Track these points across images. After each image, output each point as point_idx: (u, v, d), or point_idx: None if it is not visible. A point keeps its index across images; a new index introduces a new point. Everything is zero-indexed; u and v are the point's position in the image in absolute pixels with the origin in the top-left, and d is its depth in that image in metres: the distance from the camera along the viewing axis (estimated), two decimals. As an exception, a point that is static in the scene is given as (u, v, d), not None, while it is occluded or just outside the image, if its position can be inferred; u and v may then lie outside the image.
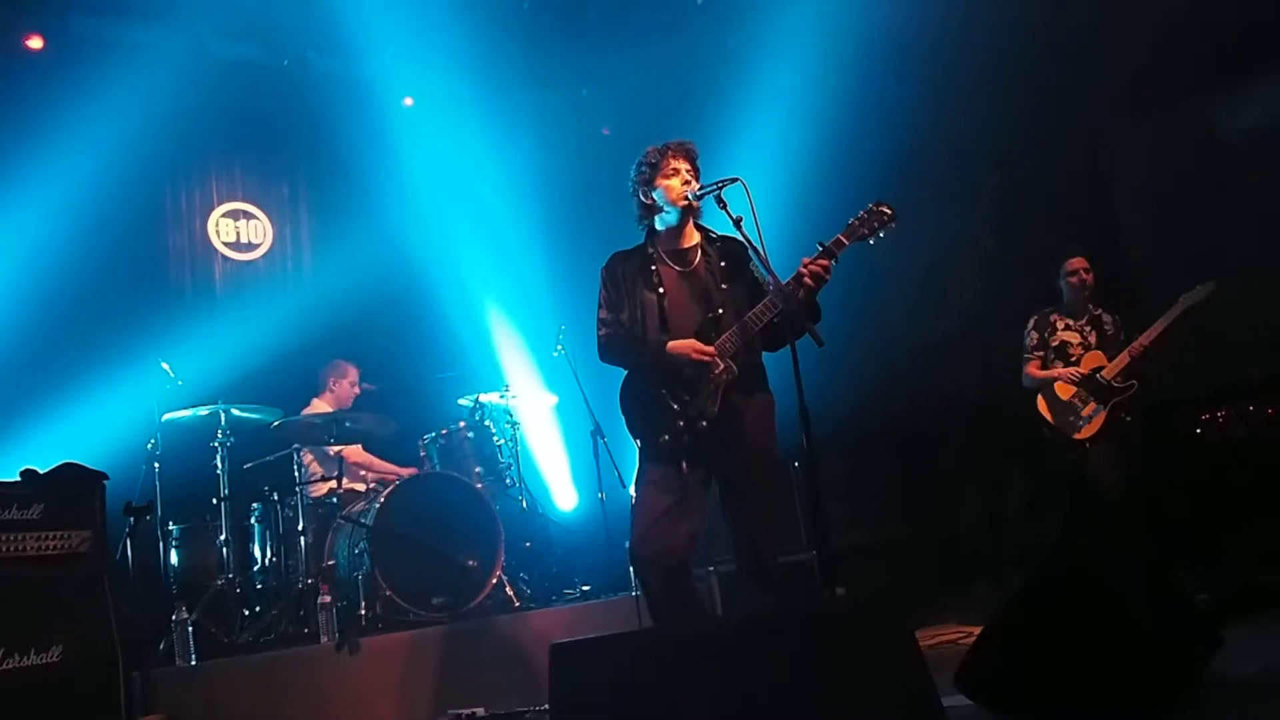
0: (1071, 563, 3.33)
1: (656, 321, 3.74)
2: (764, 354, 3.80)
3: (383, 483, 5.73)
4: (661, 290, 3.76)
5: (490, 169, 7.70)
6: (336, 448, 5.71)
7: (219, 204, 7.20)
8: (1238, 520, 5.21)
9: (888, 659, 2.83)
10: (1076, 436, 5.30)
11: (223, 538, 5.28)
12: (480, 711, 4.20)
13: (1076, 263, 5.42)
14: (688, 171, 3.80)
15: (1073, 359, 5.40)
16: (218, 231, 7.15)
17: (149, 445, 5.38)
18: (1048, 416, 5.39)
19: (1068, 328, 5.47)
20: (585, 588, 6.03)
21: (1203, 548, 5.20)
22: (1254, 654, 3.59)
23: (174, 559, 5.39)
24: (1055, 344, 5.46)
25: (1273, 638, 4.13)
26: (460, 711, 4.21)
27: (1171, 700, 2.93)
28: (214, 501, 5.35)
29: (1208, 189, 5.97)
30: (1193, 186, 6.04)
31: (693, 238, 3.87)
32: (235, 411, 5.50)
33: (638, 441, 3.77)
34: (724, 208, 3.61)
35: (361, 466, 6.14)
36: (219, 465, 5.38)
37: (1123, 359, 5.24)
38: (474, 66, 7.33)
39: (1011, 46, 6.28)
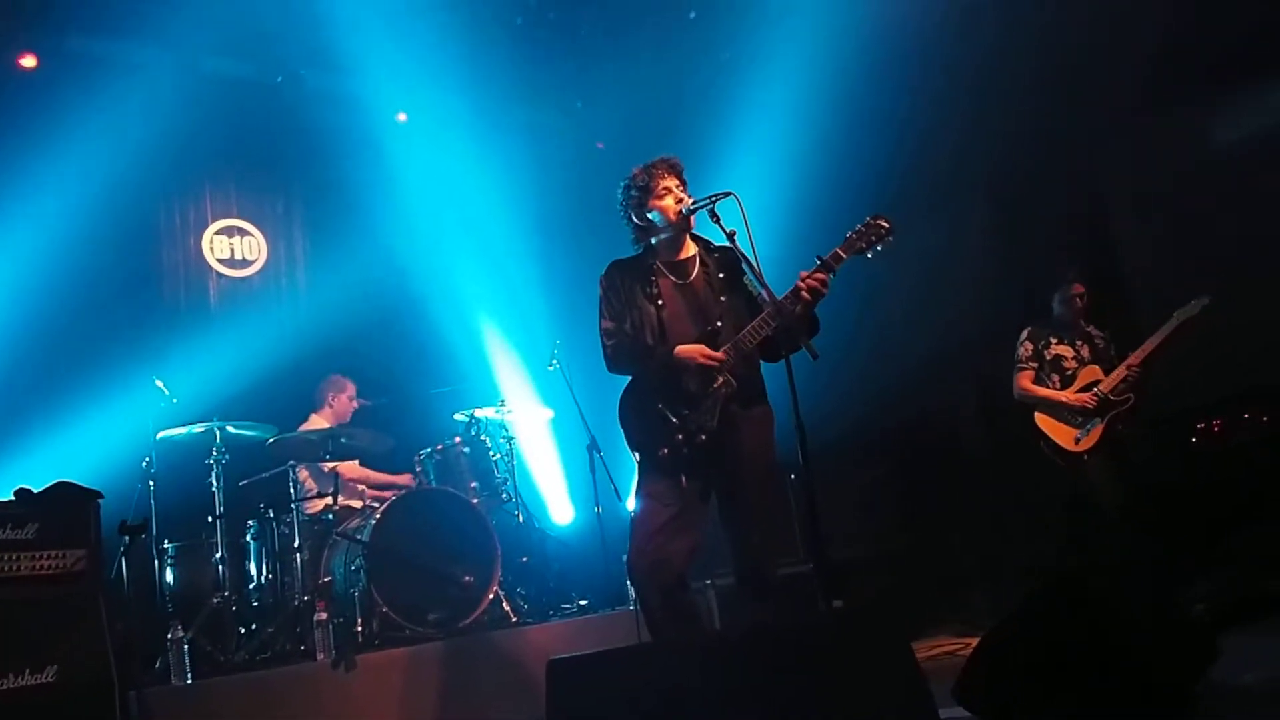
0: (1069, 575, 3.34)
1: (655, 333, 3.74)
2: (764, 366, 3.80)
3: (378, 499, 5.72)
4: (660, 302, 3.76)
5: (484, 183, 7.70)
6: (331, 464, 5.69)
7: (213, 221, 7.20)
8: (1235, 529, 5.21)
9: (886, 671, 2.83)
10: (1074, 450, 5.30)
11: (218, 555, 5.26)
12: (478, 728, 4.18)
13: (1078, 288, 5.43)
14: (678, 187, 3.81)
15: (1068, 372, 5.41)
16: (212, 248, 7.15)
17: (144, 463, 5.37)
18: (1045, 431, 5.39)
19: (1060, 342, 5.48)
20: (583, 602, 6.01)
21: (1200, 557, 5.19)
22: (1253, 663, 3.58)
23: (169, 577, 5.37)
24: (1050, 357, 5.46)
25: (1271, 646, 4.12)
26: (458, 728, 4.20)
27: (1169, 712, 2.93)
28: (209, 519, 5.33)
29: (1205, 199, 5.98)
30: (1190, 196, 6.05)
31: (691, 248, 3.88)
32: (230, 429, 5.49)
33: (636, 455, 3.76)
34: (717, 222, 3.63)
35: (359, 481, 6.13)
36: (214, 483, 5.36)
37: (1119, 373, 5.25)
38: (467, 81, 7.34)
39: (1006, 58, 6.29)
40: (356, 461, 6.15)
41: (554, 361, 6.33)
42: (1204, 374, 5.58)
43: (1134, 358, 5.23)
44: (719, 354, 3.61)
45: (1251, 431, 5.42)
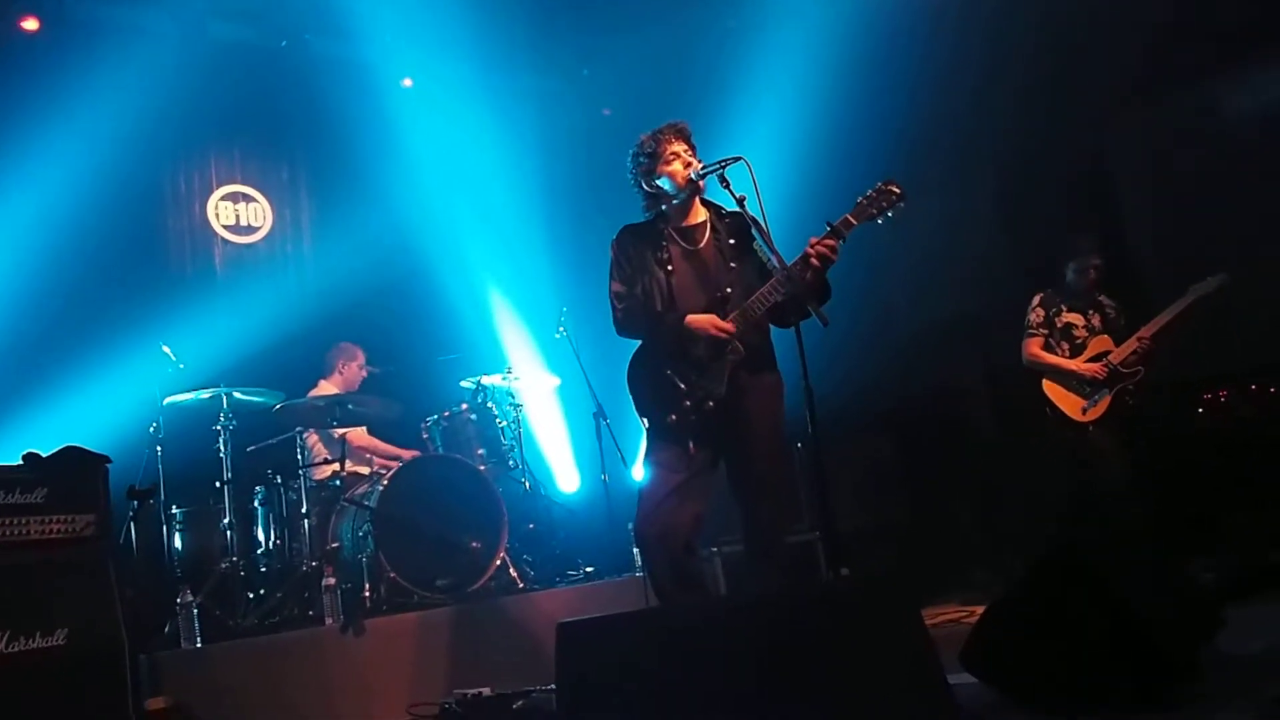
0: (1075, 543, 3.34)
1: (665, 299, 3.72)
2: (773, 334, 3.78)
3: (386, 467, 5.73)
4: (670, 269, 3.75)
5: (490, 150, 7.66)
6: (341, 430, 5.70)
7: (218, 187, 7.17)
8: (1241, 500, 5.21)
9: (894, 637, 2.83)
10: (1081, 419, 5.29)
11: (226, 521, 5.28)
12: (486, 691, 4.20)
13: (1094, 259, 5.39)
14: (686, 152, 3.77)
15: (1078, 341, 5.38)
16: (217, 214, 7.13)
17: (151, 429, 5.37)
18: (1052, 399, 5.37)
19: (1072, 310, 5.44)
20: (589, 569, 6.04)
21: (1207, 528, 5.20)
22: (1259, 633, 3.59)
23: (178, 542, 5.40)
24: (1060, 325, 5.43)
25: (1275, 616, 4.13)
26: (467, 692, 4.22)
27: (1174, 678, 2.94)
28: (217, 485, 5.34)
29: (1212, 175, 5.94)
30: (1197, 172, 6.01)
31: (701, 214, 3.86)
32: (237, 395, 5.50)
33: (645, 421, 3.76)
34: (727, 186, 3.61)
35: (366, 450, 6.14)
36: (222, 448, 5.38)
37: (1130, 344, 5.22)
38: (473, 47, 7.27)
39: (1016, 29, 6.24)
40: (364, 429, 6.16)
41: (561, 329, 6.32)
42: (1213, 349, 5.56)
43: (1146, 330, 5.20)
44: (729, 325, 3.59)
45: (1257, 404, 5.39)
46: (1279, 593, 4.48)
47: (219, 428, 5.40)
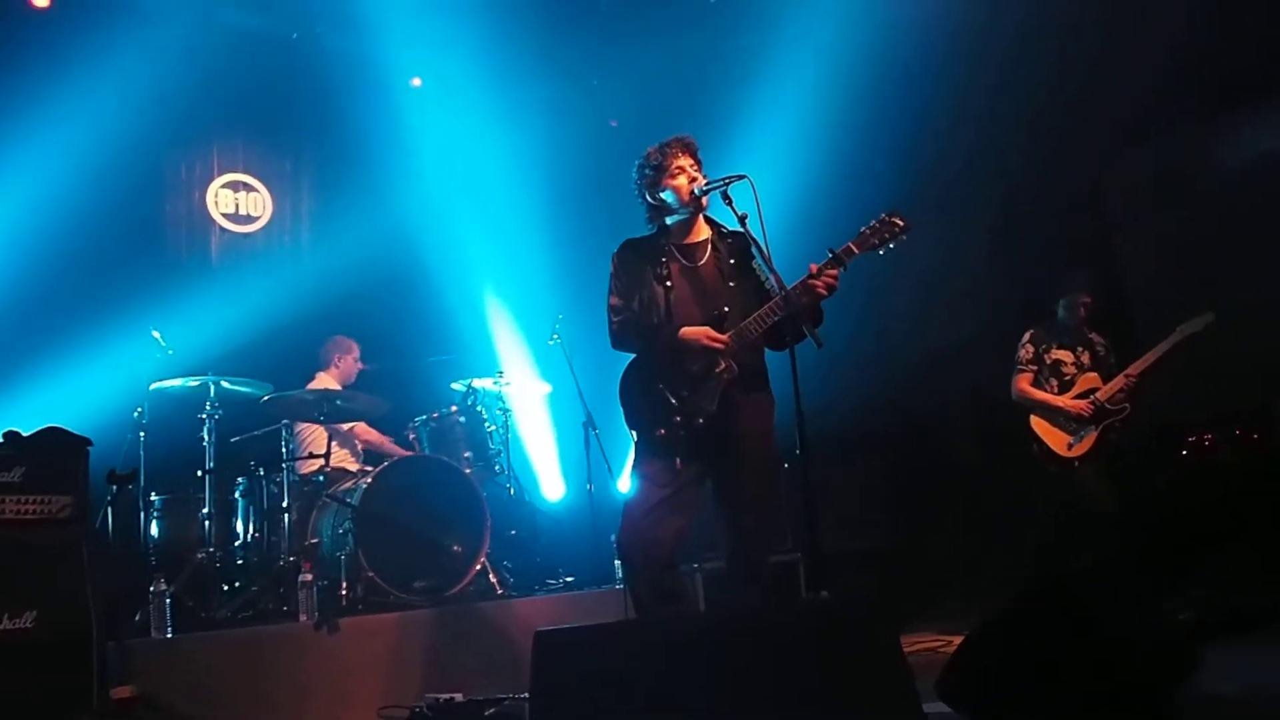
0: (1055, 578, 3.33)
1: (662, 314, 3.72)
2: (766, 355, 3.78)
3: (373, 461, 5.70)
4: (669, 284, 3.74)
5: (495, 154, 7.65)
6: (347, 424, 5.65)
7: (219, 175, 7.16)
8: (1220, 542, 5.22)
9: (871, 661, 2.82)
10: (1066, 455, 5.30)
11: (205, 511, 5.24)
12: (458, 697, 4.17)
13: (1084, 297, 5.42)
14: (691, 166, 3.78)
15: (1066, 378, 5.41)
16: (216, 202, 7.11)
17: (135, 414, 5.34)
18: (1039, 434, 5.38)
19: (1061, 346, 5.47)
20: (569, 579, 6.00)
21: (1186, 568, 5.20)
22: (1234, 674, 3.59)
23: (155, 530, 5.35)
24: (1050, 361, 5.45)
25: (1253, 658, 4.13)
26: (439, 696, 4.19)
27: (1146, 717, 2.93)
28: (199, 474, 5.30)
29: (1204, 219, 5.99)
30: (1190, 216, 6.06)
31: (704, 232, 3.86)
32: (225, 384, 5.47)
33: (634, 434, 3.75)
34: (730, 204, 3.61)
35: (369, 444, 6.12)
36: (206, 437, 5.34)
37: (1118, 382, 5.25)
38: (484, 50, 7.27)
39: (1022, 68, 6.31)
40: (365, 424, 6.13)
41: (555, 336, 6.31)
42: (1199, 390, 5.59)
43: (1134, 368, 5.24)
44: (723, 337, 3.59)
45: (1239, 449, 5.42)
46: (1254, 636, 4.49)
47: (204, 416, 5.36)
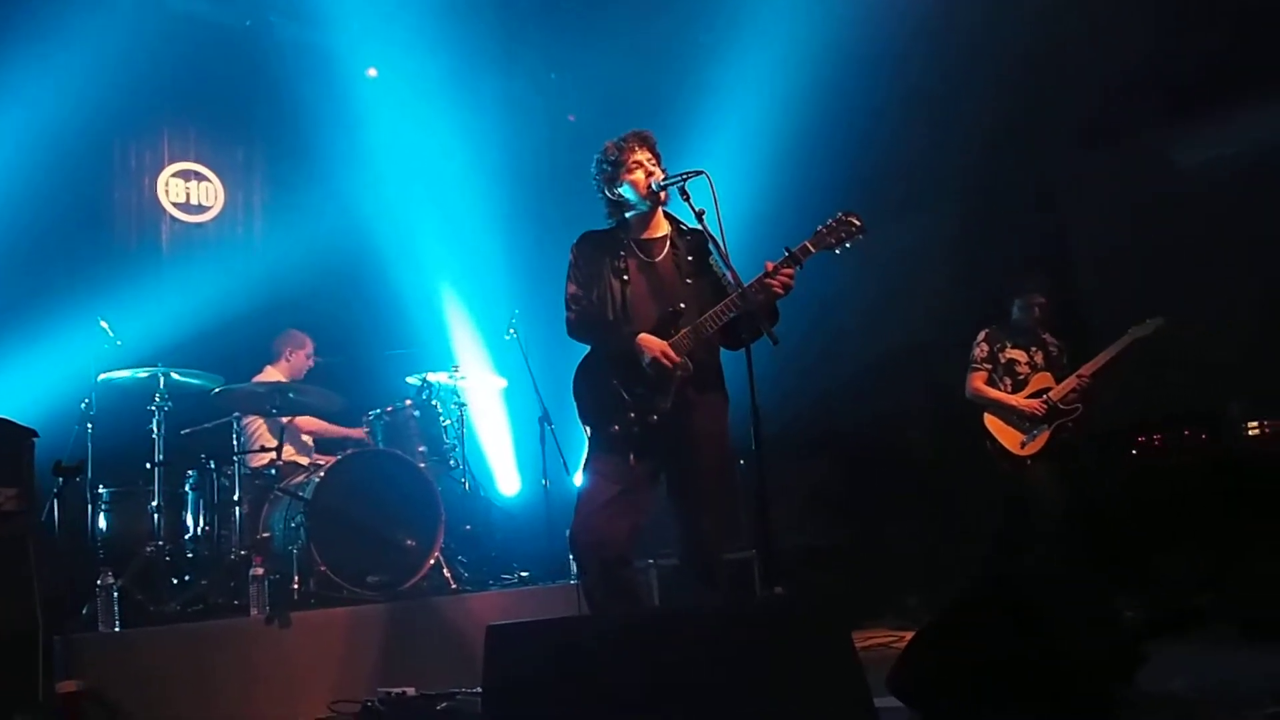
0: (1005, 576, 3.39)
1: (618, 309, 3.71)
2: (722, 354, 3.80)
3: (325, 451, 5.64)
4: (626, 279, 3.74)
5: (452, 147, 7.60)
6: (287, 417, 5.61)
7: (170, 163, 7.03)
8: (1168, 542, 5.33)
9: (823, 657, 2.84)
10: (1019, 454, 5.38)
11: (155, 504, 5.15)
12: (410, 691, 4.15)
13: (1039, 298, 5.50)
14: (650, 161, 3.78)
15: (1020, 377, 5.48)
16: (167, 191, 6.99)
17: (83, 405, 5.25)
18: (992, 432, 5.46)
19: (1015, 346, 5.54)
20: (524, 574, 5.99)
21: (1134, 566, 5.31)
22: (1179, 671, 3.67)
23: (102, 523, 5.26)
24: (1004, 361, 5.53)
25: (1197, 655, 4.24)
26: (390, 690, 4.17)
27: (1093, 713, 2.99)
28: (148, 466, 5.22)
29: (1158, 222, 6.11)
30: (1144, 219, 6.18)
31: (663, 227, 3.86)
32: (175, 376, 5.39)
33: (588, 429, 3.75)
34: (687, 199, 3.61)
35: (314, 433, 6.06)
36: (155, 429, 5.25)
37: (1070, 382, 5.34)
38: (442, 42, 7.22)
39: (980, 71, 6.37)
40: (310, 415, 6.06)
41: (511, 330, 6.29)
42: (1151, 393, 5.71)
43: (1086, 369, 5.33)
44: (677, 357, 3.58)
45: (1189, 450, 5.53)
46: (1199, 633, 4.60)
47: (154, 408, 5.28)
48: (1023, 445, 5.37)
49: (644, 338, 3.62)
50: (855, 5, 6.47)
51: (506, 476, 7.52)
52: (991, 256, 6.53)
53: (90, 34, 6.11)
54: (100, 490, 5.27)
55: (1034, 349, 5.52)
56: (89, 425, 5.23)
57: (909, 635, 3.57)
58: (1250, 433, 5.26)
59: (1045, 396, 5.35)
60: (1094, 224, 6.47)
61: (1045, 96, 6.35)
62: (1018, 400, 5.40)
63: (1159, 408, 5.72)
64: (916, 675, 3.21)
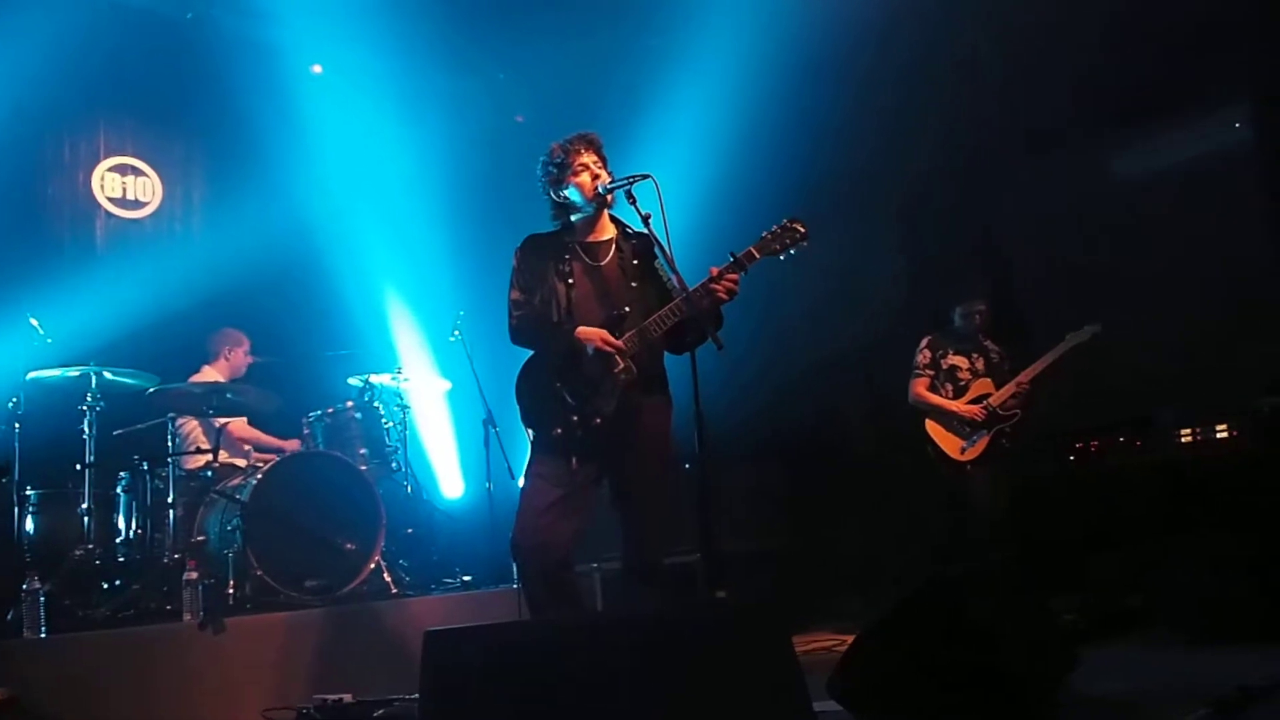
0: (943, 579, 3.43)
1: (562, 312, 3.69)
2: (665, 357, 3.79)
3: (263, 460, 5.54)
4: (570, 282, 3.72)
5: (397, 146, 7.52)
6: (221, 420, 5.49)
7: (106, 157, 6.87)
8: (1104, 545, 5.44)
9: (764, 661, 2.85)
10: (959, 458, 5.45)
11: (85, 506, 5.03)
12: (348, 698, 4.09)
13: (979, 304, 5.59)
14: (596, 164, 3.75)
15: (961, 383, 5.56)
16: (103, 186, 6.83)
17: (10, 404, 5.12)
18: (934, 437, 5.52)
19: (957, 353, 5.62)
20: (466, 578, 5.93)
21: (1072, 570, 5.40)
22: (1113, 673, 3.74)
23: (29, 526, 5.11)
24: (945, 367, 5.60)
25: (1132, 658, 4.32)
26: (327, 697, 4.10)
27: (1030, 715, 3.02)
28: (78, 467, 5.09)
29: (1098, 232, 6.25)
30: (1083, 229, 6.31)
31: (608, 231, 3.84)
32: (108, 374, 5.26)
33: (530, 432, 3.72)
34: (633, 203, 3.60)
35: (246, 441, 5.92)
36: (86, 430, 5.13)
37: (1009, 389, 5.43)
38: (388, 39, 7.13)
39: (923, 79, 6.46)
40: (245, 420, 5.95)
41: (455, 332, 6.22)
42: (1087, 399, 5.82)
43: (1024, 375, 5.43)
44: (618, 342, 3.57)
45: (1125, 455, 5.65)
46: (1134, 635, 4.69)
47: (85, 408, 5.15)
48: (963, 450, 5.45)
49: (583, 329, 3.59)
50: (802, 12, 6.52)
51: (450, 479, 7.45)
52: (933, 262, 6.62)
53: (24, 22, 5.95)
54: (28, 492, 5.12)
55: (975, 355, 5.60)
56: (16, 425, 5.11)
57: (849, 639, 3.59)
58: (1182, 439, 5.38)
59: (985, 403, 5.43)
60: (1034, 231, 6.58)
61: (988, 105, 6.45)
62: (958, 406, 5.48)
63: (1095, 414, 5.83)
64: (856, 678, 3.23)
